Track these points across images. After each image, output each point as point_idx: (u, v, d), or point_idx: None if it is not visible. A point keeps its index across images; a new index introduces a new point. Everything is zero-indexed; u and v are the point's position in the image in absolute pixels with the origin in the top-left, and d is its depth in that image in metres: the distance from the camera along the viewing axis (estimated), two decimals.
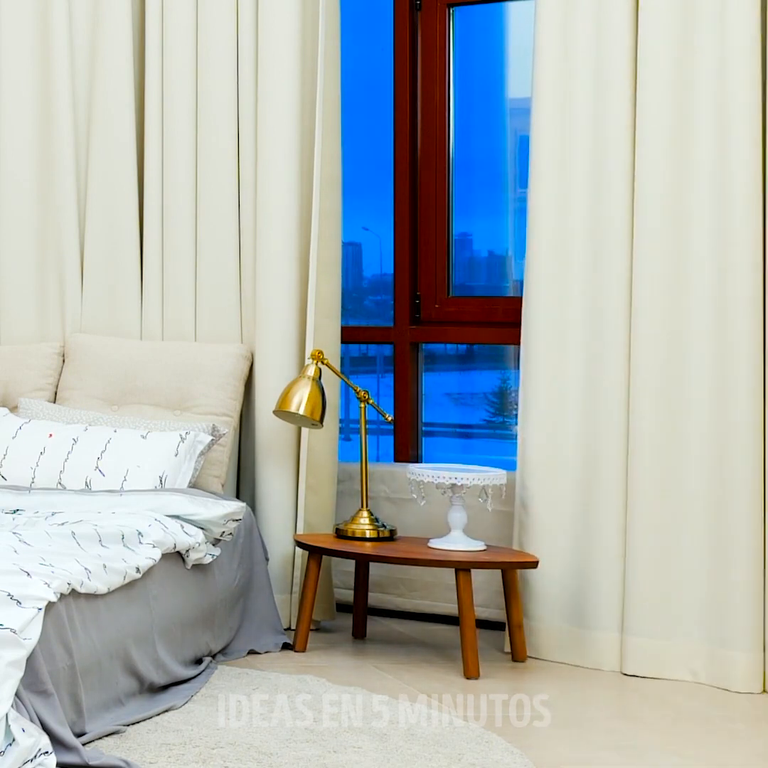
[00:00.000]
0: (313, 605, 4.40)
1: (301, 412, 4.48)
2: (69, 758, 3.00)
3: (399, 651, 4.44)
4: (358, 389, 4.62)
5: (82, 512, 3.97)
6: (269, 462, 4.74)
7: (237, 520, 4.20)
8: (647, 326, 4.14)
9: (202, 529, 4.08)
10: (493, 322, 4.90)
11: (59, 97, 4.97)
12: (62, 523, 3.76)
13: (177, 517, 4.03)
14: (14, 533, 3.52)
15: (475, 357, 5.60)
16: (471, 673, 4.07)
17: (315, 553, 4.39)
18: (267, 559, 4.57)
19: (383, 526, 4.49)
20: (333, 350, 4.72)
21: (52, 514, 3.99)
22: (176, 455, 4.37)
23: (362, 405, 4.59)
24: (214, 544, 4.16)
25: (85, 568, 3.38)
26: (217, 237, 4.84)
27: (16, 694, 2.92)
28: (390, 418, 4.72)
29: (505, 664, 4.30)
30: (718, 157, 4.03)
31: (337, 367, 4.69)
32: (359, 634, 4.61)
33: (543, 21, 4.32)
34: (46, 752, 2.91)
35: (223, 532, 4.16)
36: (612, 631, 4.25)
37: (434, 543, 4.35)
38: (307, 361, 4.59)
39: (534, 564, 4.24)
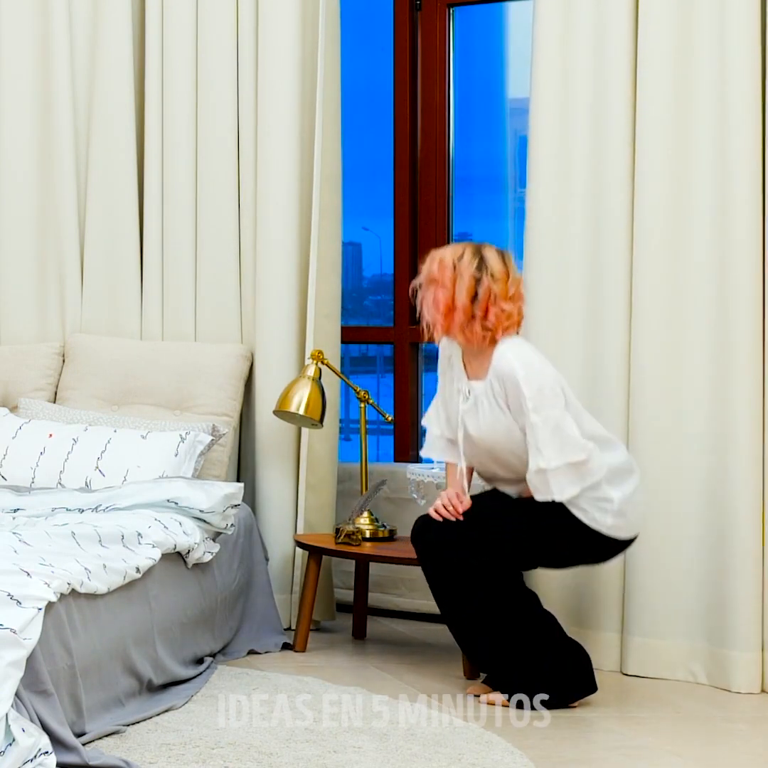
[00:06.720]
0: (313, 605, 4.40)
1: (301, 412, 4.48)
2: (69, 758, 3.00)
3: (399, 651, 4.44)
4: (358, 389, 4.62)
5: (83, 504, 3.99)
6: (269, 462, 4.74)
7: (236, 506, 4.20)
8: (647, 326, 4.13)
9: (203, 521, 4.08)
10: None
11: (59, 97, 4.97)
12: (63, 524, 3.76)
13: (176, 503, 4.02)
14: (14, 533, 3.51)
15: None
16: (471, 673, 4.07)
17: (315, 553, 4.39)
18: (267, 559, 4.57)
19: (383, 526, 4.49)
20: (333, 350, 4.72)
21: (53, 511, 3.99)
22: (176, 455, 4.37)
23: (362, 405, 4.59)
24: (213, 539, 4.17)
25: (85, 568, 3.38)
26: (217, 237, 4.84)
27: (16, 694, 2.92)
28: (390, 418, 4.72)
29: None
30: (719, 156, 4.03)
31: (337, 367, 4.69)
32: (359, 634, 4.60)
33: (542, 21, 4.31)
34: (46, 752, 2.91)
35: (226, 524, 4.15)
36: (612, 631, 4.25)
37: None
38: (307, 361, 4.59)
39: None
